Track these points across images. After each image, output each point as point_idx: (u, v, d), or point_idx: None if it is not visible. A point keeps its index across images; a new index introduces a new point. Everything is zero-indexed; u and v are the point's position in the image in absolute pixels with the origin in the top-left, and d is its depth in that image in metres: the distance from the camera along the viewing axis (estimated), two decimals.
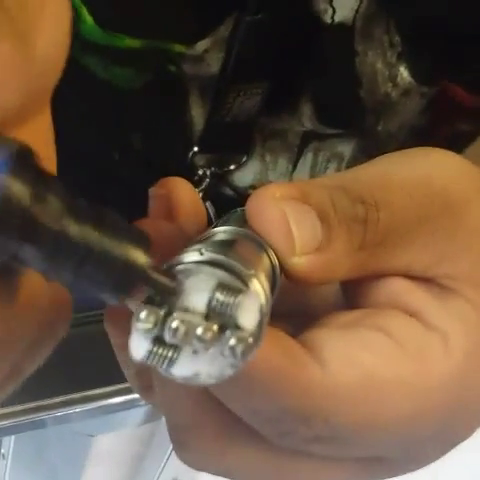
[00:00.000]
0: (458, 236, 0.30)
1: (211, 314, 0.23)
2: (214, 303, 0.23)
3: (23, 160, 0.19)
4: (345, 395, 0.28)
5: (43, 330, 0.26)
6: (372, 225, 0.29)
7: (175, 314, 0.23)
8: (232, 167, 0.52)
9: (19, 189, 0.19)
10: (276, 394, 0.27)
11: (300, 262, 0.28)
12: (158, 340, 0.24)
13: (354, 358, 0.28)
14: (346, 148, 0.52)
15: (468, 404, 0.30)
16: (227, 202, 0.52)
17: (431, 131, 0.50)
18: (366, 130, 0.51)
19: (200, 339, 0.23)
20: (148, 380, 0.32)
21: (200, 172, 0.52)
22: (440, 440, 0.31)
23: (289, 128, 0.51)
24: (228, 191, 0.53)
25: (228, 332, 0.23)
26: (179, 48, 0.48)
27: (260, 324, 0.24)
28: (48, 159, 0.23)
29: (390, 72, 0.49)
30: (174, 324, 0.23)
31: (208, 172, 0.52)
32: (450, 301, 0.30)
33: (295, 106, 0.50)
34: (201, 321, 0.23)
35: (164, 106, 0.50)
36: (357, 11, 0.46)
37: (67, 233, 0.20)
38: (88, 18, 0.46)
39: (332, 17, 0.46)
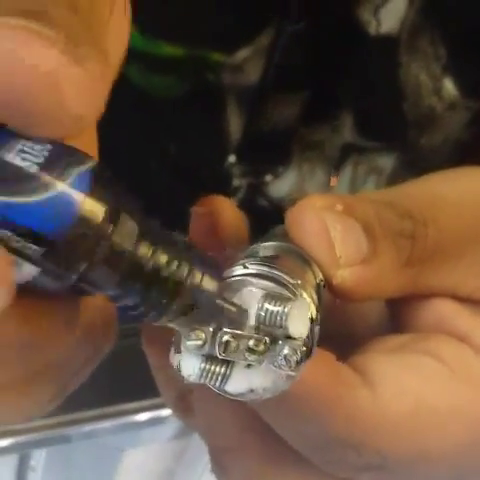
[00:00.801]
0: None
1: (261, 326, 0.23)
2: (263, 314, 0.23)
3: (101, 180, 0.19)
4: (398, 424, 0.27)
5: (94, 350, 0.26)
6: (420, 241, 0.28)
7: (225, 329, 0.23)
8: (268, 178, 0.51)
9: (95, 210, 0.18)
10: (324, 418, 0.27)
11: (345, 275, 0.27)
12: (209, 358, 0.23)
13: (406, 385, 0.28)
14: (386, 162, 0.51)
15: None
16: (262, 214, 0.52)
17: (476, 146, 0.49)
18: (408, 144, 0.50)
19: (252, 352, 0.23)
20: (188, 402, 0.31)
21: (236, 182, 0.51)
22: None
23: (328, 140, 0.50)
24: (263, 202, 0.53)
25: (280, 343, 0.23)
26: (218, 57, 0.47)
27: (312, 333, 0.23)
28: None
29: (435, 85, 0.48)
30: (225, 338, 0.23)
31: (244, 182, 0.51)
32: None
33: (335, 117, 0.49)
34: (252, 334, 0.23)
35: (201, 115, 0.50)
36: (402, 23, 0.46)
37: (139, 257, 0.20)
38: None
39: (377, 28, 0.46)
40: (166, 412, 0.53)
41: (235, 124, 0.50)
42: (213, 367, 0.23)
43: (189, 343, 0.23)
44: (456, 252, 0.29)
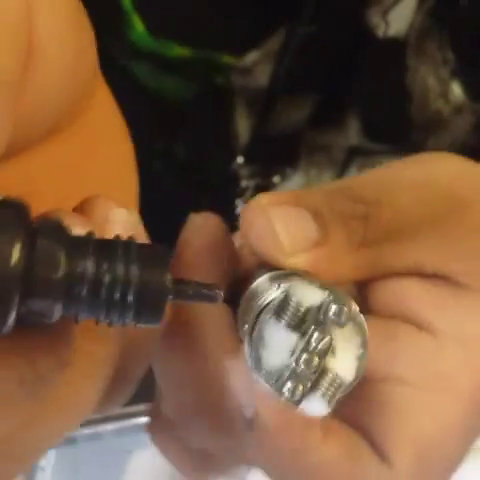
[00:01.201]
0: (468, 233, 0.30)
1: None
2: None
3: (9, 214, 0.18)
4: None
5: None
6: (374, 221, 0.29)
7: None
8: (276, 179, 0.52)
9: (10, 247, 0.18)
10: None
11: (297, 261, 0.27)
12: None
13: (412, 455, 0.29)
14: None
15: None
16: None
17: None
18: (414, 147, 0.50)
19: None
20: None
21: (243, 183, 0.51)
22: None
23: (335, 142, 0.51)
24: None
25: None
26: (228, 59, 0.47)
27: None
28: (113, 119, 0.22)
29: (442, 88, 0.48)
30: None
31: (252, 183, 0.51)
32: (466, 298, 0.30)
33: (342, 120, 0.49)
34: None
35: (210, 117, 0.50)
36: (411, 26, 0.46)
37: (71, 273, 0.19)
38: (139, 25, 0.46)
39: (385, 31, 0.46)
40: None
41: (243, 126, 0.50)
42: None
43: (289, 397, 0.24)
44: (416, 230, 0.29)
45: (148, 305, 0.21)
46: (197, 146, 0.51)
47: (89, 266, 0.20)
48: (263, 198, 0.28)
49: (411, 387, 0.29)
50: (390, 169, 0.32)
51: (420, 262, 0.30)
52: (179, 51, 0.46)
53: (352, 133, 0.50)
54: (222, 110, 0.50)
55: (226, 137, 0.50)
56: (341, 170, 0.52)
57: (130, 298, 0.20)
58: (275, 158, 0.51)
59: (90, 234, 0.20)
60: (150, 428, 0.33)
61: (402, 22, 0.46)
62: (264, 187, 0.52)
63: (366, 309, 0.30)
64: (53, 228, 0.19)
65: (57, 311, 0.20)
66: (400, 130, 0.50)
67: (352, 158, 0.51)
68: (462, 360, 0.29)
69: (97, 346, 0.24)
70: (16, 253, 0.18)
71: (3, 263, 0.18)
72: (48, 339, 0.22)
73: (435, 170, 0.31)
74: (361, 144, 0.50)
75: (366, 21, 0.46)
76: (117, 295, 0.20)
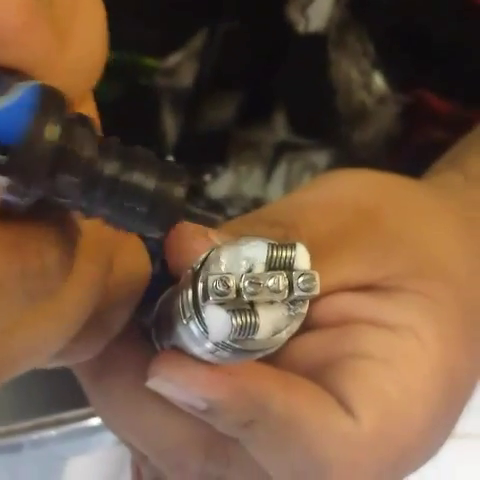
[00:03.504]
0: (381, 239, 0.31)
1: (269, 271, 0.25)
2: (274, 259, 0.24)
3: (52, 95, 0.20)
4: (379, 444, 0.30)
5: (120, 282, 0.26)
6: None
7: (244, 274, 0.24)
8: (207, 177, 0.52)
9: (49, 119, 0.19)
10: (314, 445, 0.29)
11: None
12: (235, 311, 0.24)
13: (375, 406, 0.30)
14: (321, 158, 0.52)
15: (458, 385, 0.32)
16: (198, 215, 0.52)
17: (407, 140, 0.50)
18: (341, 139, 0.51)
19: (275, 290, 0.24)
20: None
21: None
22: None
23: (263, 139, 0.51)
24: (201, 204, 0.53)
25: (295, 276, 0.24)
26: (151, 62, 0.47)
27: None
28: None
29: (364, 80, 0.49)
30: (246, 283, 0.24)
31: None
32: (400, 298, 0.31)
33: (269, 116, 0.50)
34: (268, 274, 0.24)
35: (136, 118, 0.50)
36: (330, 20, 0.46)
37: (98, 161, 0.20)
38: None
39: (305, 27, 0.46)
40: None
41: (171, 126, 0.50)
42: (242, 319, 0.24)
43: (216, 298, 0.24)
44: (333, 247, 0.30)
45: (162, 215, 0.21)
46: None
47: (113, 163, 0.20)
48: (188, 226, 0.28)
49: (376, 360, 0.30)
50: (300, 192, 0.34)
51: (342, 279, 0.31)
52: None
53: (279, 129, 0.50)
54: (148, 111, 0.50)
55: (154, 137, 0.50)
56: (271, 166, 0.52)
57: (146, 203, 0.21)
58: (205, 156, 0.51)
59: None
60: None
61: (321, 17, 0.46)
62: (195, 186, 0.52)
63: (311, 326, 0.31)
64: (86, 121, 0.20)
65: (78, 193, 0.20)
66: (326, 123, 0.50)
67: (281, 154, 0.52)
68: (417, 346, 0.30)
69: (91, 266, 0.23)
70: (51, 129, 0.19)
71: (39, 136, 0.19)
72: (57, 232, 0.21)
73: (339, 187, 0.33)
74: (289, 139, 0.51)
75: (286, 17, 0.46)
76: (134, 198, 0.21)
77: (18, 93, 0.19)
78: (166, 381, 0.28)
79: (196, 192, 0.52)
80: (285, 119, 0.50)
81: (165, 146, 0.51)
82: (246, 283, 0.24)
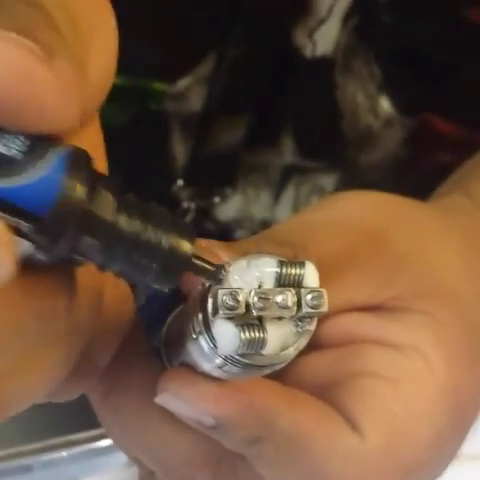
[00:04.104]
0: (388, 260, 0.32)
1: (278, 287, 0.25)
2: (283, 277, 0.25)
3: (79, 161, 0.21)
4: (385, 463, 0.30)
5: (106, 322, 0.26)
6: None
7: (253, 291, 0.25)
8: (216, 200, 0.52)
9: (76, 187, 0.21)
10: (319, 462, 0.29)
11: None
12: (244, 326, 0.24)
13: (382, 425, 0.30)
14: (328, 181, 0.52)
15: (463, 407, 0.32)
16: (209, 237, 0.53)
17: (413, 163, 0.51)
18: (348, 163, 0.51)
19: (284, 306, 0.25)
20: None
21: (184, 205, 0.52)
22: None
23: (271, 162, 0.51)
24: (210, 226, 0.53)
25: (303, 293, 0.25)
26: (160, 86, 0.48)
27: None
28: (99, 159, 0.24)
29: (371, 104, 0.49)
30: (255, 298, 0.24)
31: (193, 205, 0.52)
32: (405, 318, 0.31)
33: (276, 140, 0.50)
34: (277, 290, 0.25)
35: (146, 143, 0.51)
36: (337, 44, 0.47)
37: (118, 225, 0.22)
38: None
39: (313, 51, 0.47)
40: None
41: (180, 150, 0.51)
42: (250, 334, 0.24)
43: (226, 312, 0.24)
44: (340, 268, 0.31)
45: (173, 271, 0.23)
46: (135, 173, 0.52)
47: (132, 223, 0.22)
48: (199, 242, 0.28)
49: (383, 379, 0.30)
50: (308, 213, 0.34)
51: (349, 299, 0.31)
52: None
53: (287, 152, 0.51)
54: (158, 135, 0.50)
55: (164, 161, 0.51)
56: (279, 189, 0.52)
57: (160, 261, 0.22)
58: (214, 179, 0.52)
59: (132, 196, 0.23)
60: None
61: (328, 41, 0.47)
62: (205, 208, 0.53)
63: (318, 346, 0.31)
64: (108, 181, 0.22)
65: (97, 252, 0.22)
66: (333, 147, 0.51)
67: (288, 177, 0.52)
68: (423, 366, 0.30)
69: (82, 309, 0.24)
70: (79, 197, 0.21)
71: (67, 205, 0.20)
72: (65, 280, 0.22)
73: (347, 208, 0.33)
74: (296, 162, 0.51)
75: (293, 42, 0.47)
76: (150, 256, 0.22)
77: (47, 164, 0.20)
78: (175, 397, 0.28)
79: (205, 214, 0.53)
80: (292, 142, 0.50)
81: (175, 170, 0.51)
82: (255, 298, 0.24)
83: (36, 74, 0.20)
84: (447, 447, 0.32)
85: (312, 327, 0.25)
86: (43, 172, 0.20)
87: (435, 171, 0.48)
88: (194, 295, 0.27)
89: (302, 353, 0.26)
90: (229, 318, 0.24)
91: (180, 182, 0.51)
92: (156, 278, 0.23)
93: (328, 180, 0.52)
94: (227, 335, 0.24)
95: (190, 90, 0.48)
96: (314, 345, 0.31)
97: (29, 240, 0.21)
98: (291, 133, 0.50)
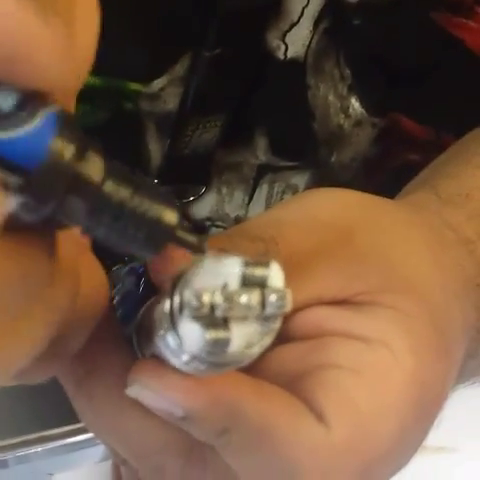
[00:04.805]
0: (356, 256, 0.32)
1: (243, 287, 0.25)
2: (248, 276, 0.25)
3: (70, 122, 0.21)
4: (349, 454, 0.30)
5: (81, 307, 0.26)
6: (274, 257, 0.30)
7: (218, 291, 0.25)
8: (191, 199, 0.53)
9: (67, 145, 0.20)
10: (285, 452, 0.29)
11: None
12: (210, 325, 0.25)
13: (345, 415, 0.30)
14: (300, 180, 0.53)
15: (427, 400, 0.32)
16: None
17: (382, 162, 0.51)
18: (320, 162, 0.52)
19: (248, 306, 0.25)
20: None
21: None
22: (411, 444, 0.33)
23: (244, 161, 0.52)
24: (185, 224, 0.54)
25: (267, 293, 0.25)
26: (135, 86, 0.48)
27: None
28: None
29: (342, 104, 0.50)
30: (220, 299, 0.25)
31: None
32: (373, 311, 0.31)
33: (250, 139, 0.51)
34: (241, 290, 0.25)
35: (122, 142, 0.51)
36: (308, 46, 0.48)
37: (105, 188, 0.22)
38: None
39: (285, 53, 0.48)
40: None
41: (155, 149, 0.51)
42: (215, 333, 0.25)
43: (191, 312, 0.25)
44: (310, 263, 0.31)
45: (157, 240, 0.23)
46: None
47: (120, 190, 0.22)
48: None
49: (347, 371, 0.30)
50: (280, 209, 0.35)
51: (318, 293, 0.31)
52: (87, 80, 0.47)
53: (260, 151, 0.51)
54: (133, 135, 0.51)
55: (139, 160, 0.51)
56: (252, 188, 0.53)
57: (146, 230, 0.23)
58: (188, 178, 0.53)
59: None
60: None
61: (300, 43, 0.48)
62: (180, 207, 0.53)
63: (287, 338, 0.32)
64: (96, 145, 0.22)
65: (84, 215, 0.22)
66: (305, 146, 0.51)
67: (262, 175, 0.53)
68: (389, 359, 0.31)
69: (59, 290, 0.24)
70: (68, 155, 0.21)
71: (56, 161, 0.20)
72: (50, 242, 0.23)
73: (317, 205, 0.34)
74: (270, 161, 0.52)
75: (267, 44, 0.48)
76: (136, 224, 0.22)
77: (39, 120, 0.20)
78: (144, 389, 0.28)
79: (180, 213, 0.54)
80: (266, 142, 0.51)
81: (150, 169, 0.52)
82: (220, 299, 0.25)
83: (32, 27, 0.20)
84: (411, 439, 0.32)
85: (277, 326, 0.26)
86: (35, 127, 0.20)
87: (403, 170, 0.49)
88: (164, 290, 0.27)
89: (271, 346, 0.27)
90: (195, 317, 0.25)
91: (154, 182, 0.52)
92: (140, 246, 0.23)
93: (300, 179, 0.53)
94: (192, 335, 0.25)
95: (165, 90, 0.49)
96: (284, 337, 0.31)
97: (15, 194, 0.20)
98: (264, 133, 0.51)
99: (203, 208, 0.54)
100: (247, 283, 0.25)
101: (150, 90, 0.49)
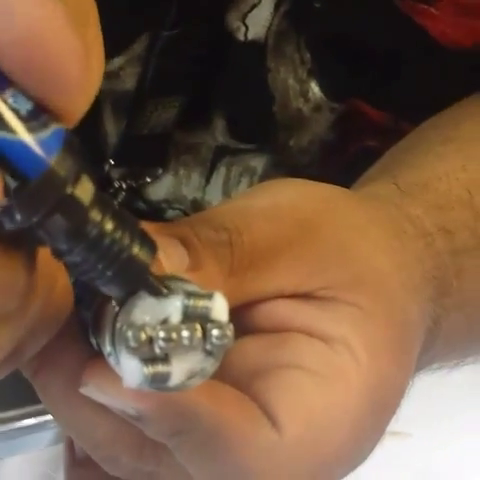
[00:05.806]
0: (318, 250, 0.32)
1: (185, 320, 0.25)
2: (190, 309, 0.25)
3: (75, 143, 0.21)
4: (301, 457, 0.30)
5: (46, 313, 0.26)
6: (238, 248, 0.30)
7: (158, 327, 0.25)
8: (148, 180, 0.52)
9: (68, 163, 0.21)
10: (234, 454, 0.29)
11: None
12: (148, 360, 0.25)
13: (300, 418, 0.30)
14: (259, 163, 0.53)
15: (384, 402, 0.32)
16: (140, 217, 0.53)
17: (341, 146, 0.51)
18: (278, 145, 0.52)
19: (189, 341, 0.25)
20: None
21: (116, 184, 0.52)
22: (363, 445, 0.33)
23: (202, 143, 0.52)
24: (141, 205, 0.54)
25: (209, 327, 0.25)
26: None
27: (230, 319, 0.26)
28: None
29: (301, 88, 0.50)
30: (161, 334, 0.24)
31: (124, 185, 0.52)
32: (334, 309, 0.31)
33: (208, 121, 0.51)
34: (183, 326, 0.25)
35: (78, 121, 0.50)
36: (269, 29, 0.48)
37: (91, 214, 0.22)
38: None
39: (245, 34, 0.47)
40: (44, 418, 0.53)
41: (112, 128, 0.51)
42: (155, 368, 0.24)
43: (130, 348, 0.24)
44: (273, 254, 0.31)
45: (126, 282, 0.24)
46: None
47: (106, 223, 0.22)
48: None
49: (306, 372, 0.30)
50: (243, 198, 0.34)
51: (279, 286, 0.31)
52: None
53: (218, 133, 0.51)
54: (89, 113, 0.50)
55: (95, 141, 0.51)
56: (210, 169, 0.53)
57: (116, 269, 0.23)
58: (145, 159, 0.52)
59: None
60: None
61: (260, 25, 0.47)
62: (136, 188, 0.53)
63: (246, 331, 0.32)
64: (92, 174, 0.22)
65: (63, 237, 0.22)
66: (264, 129, 0.51)
67: (220, 157, 0.52)
68: (349, 360, 0.31)
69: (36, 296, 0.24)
70: (66, 175, 0.21)
71: (54, 178, 0.21)
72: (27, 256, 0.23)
73: (280, 196, 0.33)
74: (228, 144, 0.52)
75: (227, 25, 0.47)
76: (109, 260, 0.23)
77: (50, 132, 0.21)
78: (97, 390, 0.28)
79: (137, 194, 0.53)
80: (224, 124, 0.51)
81: (106, 149, 0.51)
82: (161, 334, 0.24)
83: (67, 40, 0.19)
84: (367, 439, 0.32)
85: (219, 358, 0.26)
86: (46, 138, 0.21)
87: (362, 155, 0.49)
88: (108, 310, 0.27)
89: (235, 338, 0.26)
90: (134, 352, 0.24)
91: (111, 161, 0.51)
92: (106, 283, 0.23)
93: (258, 162, 0.53)
94: (131, 370, 0.25)
95: (123, 69, 0.48)
96: (248, 328, 0.31)
97: (7, 196, 0.21)
98: (223, 115, 0.50)
99: (160, 190, 0.53)
100: (190, 316, 0.25)
101: (107, 69, 0.48)
